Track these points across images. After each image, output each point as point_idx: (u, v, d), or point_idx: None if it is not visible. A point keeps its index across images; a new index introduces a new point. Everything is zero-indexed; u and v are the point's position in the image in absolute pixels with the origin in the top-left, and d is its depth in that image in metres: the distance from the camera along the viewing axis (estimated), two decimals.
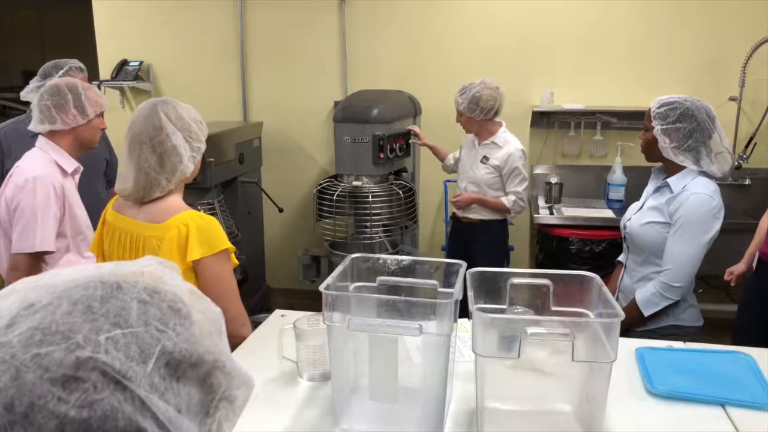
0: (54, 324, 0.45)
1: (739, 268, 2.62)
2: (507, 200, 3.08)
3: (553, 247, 3.50)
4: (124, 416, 0.44)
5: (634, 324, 2.06)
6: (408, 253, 3.46)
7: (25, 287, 0.50)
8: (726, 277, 2.63)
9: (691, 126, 1.99)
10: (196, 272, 1.62)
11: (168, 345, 0.49)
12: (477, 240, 3.19)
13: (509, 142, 3.08)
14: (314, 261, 3.58)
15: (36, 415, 0.42)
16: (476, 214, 3.17)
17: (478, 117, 3.03)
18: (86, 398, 0.43)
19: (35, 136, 2.30)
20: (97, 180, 2.85)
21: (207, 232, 1.61)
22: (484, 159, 3.09)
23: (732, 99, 3.67)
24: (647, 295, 2.06)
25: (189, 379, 0.50)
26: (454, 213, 3.30)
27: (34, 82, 2.73)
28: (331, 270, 3.41)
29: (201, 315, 0.54)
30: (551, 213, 3.58)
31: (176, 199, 1.68)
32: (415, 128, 3.44)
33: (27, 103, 2.74)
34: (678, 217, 2.00)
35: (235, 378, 0.55)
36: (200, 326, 0.53)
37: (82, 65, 2.84)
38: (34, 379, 0.42)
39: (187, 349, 0.50)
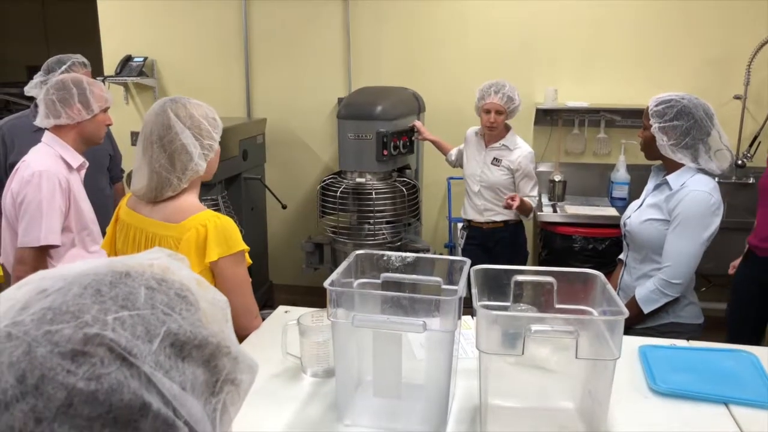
0: (65, 305, 0.48)
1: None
2: (532, 201, 3.04)
3: (556, 245, 3.49)
4: (130, 390, 0.46)
5: (634, 321, 2.07)
6: (411, 242, 3.46)
7: (39, 278, 0.53)
8: (730, 270, 2.65)
9: (688, 123, 2.00)
10: (213, 272, 1.62)
11: (173, 327, 0.51)
12: (504, 243, 3.11)
13: (519, 146, 3.05)
14: (317, 248, 3.56)
15: (46, 386, 0.44)
16: (500, 216, 3.09)
17: (511, 117, 3.03)
18: (94, 372, 0.45)
19: (38, 131, 2.31)
20: (100, 175, 2.86)
21: (225, 233, 1.62)
22: (495, 161, 3.05)
23: (737, 97, 3.66)
24: (647, 292, 2.06)
25: (194, 360, 0.52)
26: (468, 221, 3.21)
27: (37, 78, 2.74)
28: (334, 258, 3.44)
29: (208, 304, 0.57)
30: (555, 211, 3.58)
31: (191, 199, 1.68)
32: (418, 123, 3.43)
33: (31, 99, 2.75)
34: (677, 214, 2.00)
35: (240, 362, 0.57)
36: (206, 313, 0.55)
37: (85, 60, 2.85)
38: (45, 353, 0.45)
39: (192, 331, 0.52)
